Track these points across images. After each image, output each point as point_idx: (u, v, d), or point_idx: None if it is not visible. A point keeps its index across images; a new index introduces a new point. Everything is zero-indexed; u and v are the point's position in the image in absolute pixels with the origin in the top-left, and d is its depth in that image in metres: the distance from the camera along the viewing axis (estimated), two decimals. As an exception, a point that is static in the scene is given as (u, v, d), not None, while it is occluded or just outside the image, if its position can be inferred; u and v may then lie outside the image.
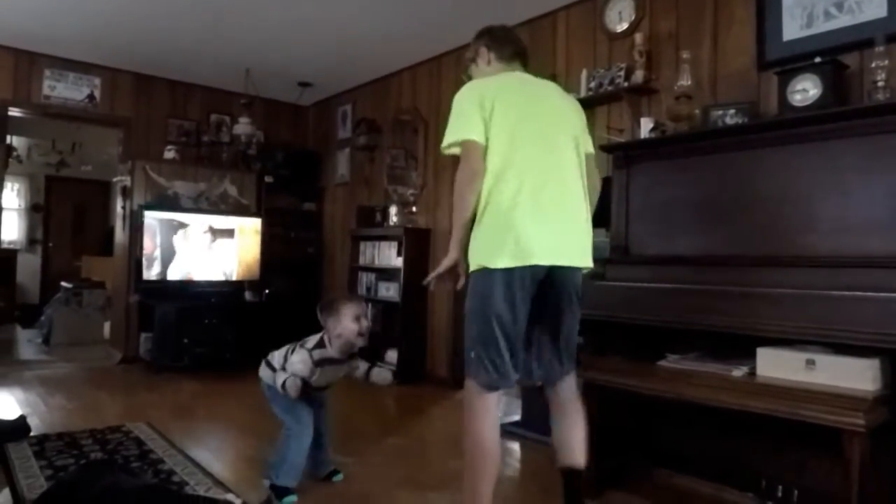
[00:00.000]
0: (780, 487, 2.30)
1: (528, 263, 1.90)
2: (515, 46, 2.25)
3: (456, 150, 2.02)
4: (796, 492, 2.27)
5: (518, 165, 1.94)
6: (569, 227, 2.01)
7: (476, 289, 1.96)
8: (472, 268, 1.98)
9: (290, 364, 2.45)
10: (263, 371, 2.57)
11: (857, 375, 1.97)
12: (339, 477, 2.68)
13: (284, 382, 2.39)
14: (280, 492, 2.42)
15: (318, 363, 2.46)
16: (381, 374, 2.70)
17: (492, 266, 1.90)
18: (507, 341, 1.93)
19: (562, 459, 2.11)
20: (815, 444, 2.19)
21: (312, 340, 2.52)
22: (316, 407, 2.60)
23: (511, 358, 1.95)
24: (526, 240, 1.89)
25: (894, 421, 2.00)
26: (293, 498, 2.43)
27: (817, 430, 2.01)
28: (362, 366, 2.65)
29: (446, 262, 2.00)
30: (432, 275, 2.04)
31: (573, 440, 2.10)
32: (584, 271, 2.13)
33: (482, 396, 1.96)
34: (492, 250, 1.91)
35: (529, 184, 1.94)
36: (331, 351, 2.50)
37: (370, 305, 5.27)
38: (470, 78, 2.26)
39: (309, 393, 2.51)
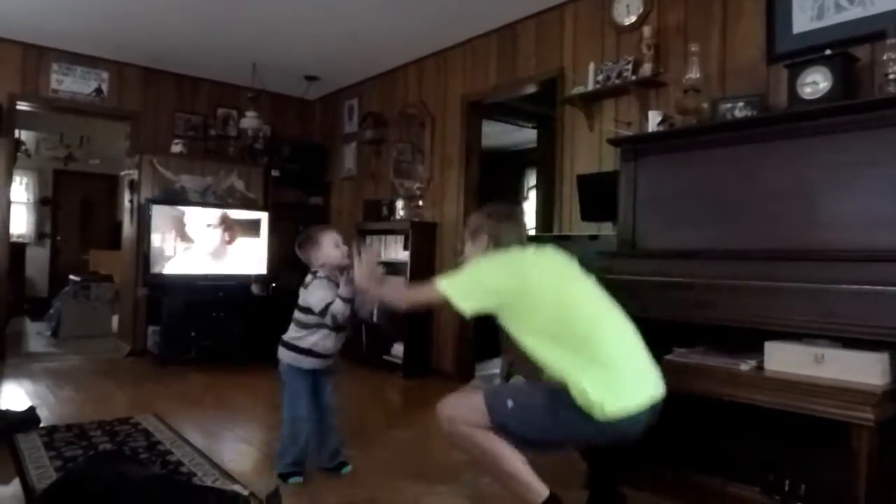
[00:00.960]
0: (788, 482, 2.29)
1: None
2: (519, 241, 2.20)
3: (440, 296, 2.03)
4: (803, 486, 2.26)
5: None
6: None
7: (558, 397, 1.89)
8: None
9: (318, 301, 2.48)
10: (280, 352, 2.62)
11: (865, 369, 1.96)
12: (347, 469, 2.70)
13: (332, 311, 2.45)
14: (285, 476, 2.54)
15: (331, 280, 2.54)
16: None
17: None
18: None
19: None
20: (823, 438, 2.17)
21: (308, 278, 2.59)
22: (321, 400, 2.64)
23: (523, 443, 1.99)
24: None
25: (903, 416, 1.99)
26: (298, 479, 2.54)
27: (825, 424, 2.00)
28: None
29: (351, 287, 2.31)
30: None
31: None
32: None
33: (470, 423, 1.99)
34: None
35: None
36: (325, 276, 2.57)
37: (376, 299, 5.29)
38: (462, 246, 2.33)
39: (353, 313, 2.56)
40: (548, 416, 1.92)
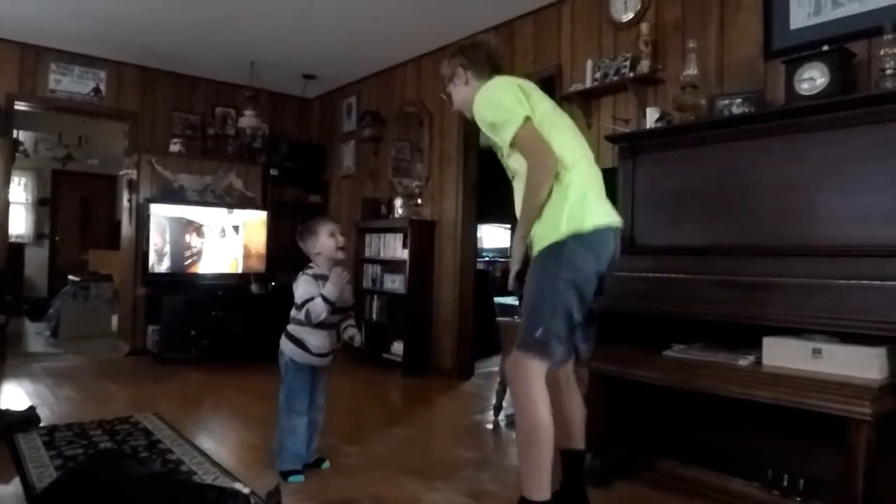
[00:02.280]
0: (786, 476, 2.30)
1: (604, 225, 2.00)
2: (491, 61, 2.22)
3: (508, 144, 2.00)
4: (802, 481, 2.26)
5: (570, 154, 2.01)
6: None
7: (549, 262, 1.95)
8: (544, 244, 1.97)
9: (299, 297, 2.54)
10: (283, 343, 2.65)
11: (863, 364, 1.96)
12: (326, 465, 2.73)
13: (308, 307, 2.49)
14: (285, 475, 2.55)
15: (316, 277, 2.58)
16: (351, 333, 2.69)
17: (580, 229, 1.93)
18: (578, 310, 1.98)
19: (563, 441, 2.13)
20: (821, 433, 2.18)
21: (299, 274, 2.65)
22: (313, 398, 2.67)
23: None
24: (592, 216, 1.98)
25: (901, 410, 2.00)
26: (299, 478, 2.55)
27: (823, 419, 2.01)
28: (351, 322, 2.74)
29: (519, 259, 2.04)
30: (512, 277, 2.08)
31: (576, 420, 2.17)
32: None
33: (540, 377, 1.96)
34: (568, 220, 1.94)
35: (585, 165, 2.04)
36: (319, 269, 2.62)
37: (376, 297, 5.30)
38: (449, 96, 2.31)
39: (333, 310, 2.56)
40: (554, 283, 1.94)
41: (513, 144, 2.00)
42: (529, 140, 1.96)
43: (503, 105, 2.00)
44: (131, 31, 4.88)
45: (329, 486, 2.54)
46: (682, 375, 2.34)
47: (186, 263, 5.36)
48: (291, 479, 2.53)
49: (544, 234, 1.97)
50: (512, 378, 2.06)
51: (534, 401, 1.95)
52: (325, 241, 2.63)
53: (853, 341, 2.02)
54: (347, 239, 2.71)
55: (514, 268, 2.05)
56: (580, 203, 1.96)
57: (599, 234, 1.98)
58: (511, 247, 2.09)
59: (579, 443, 2.18)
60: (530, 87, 2.11)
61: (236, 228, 5.63)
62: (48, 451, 2.81)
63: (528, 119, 1.96)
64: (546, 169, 1.94)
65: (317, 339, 2.60)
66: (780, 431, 2.36)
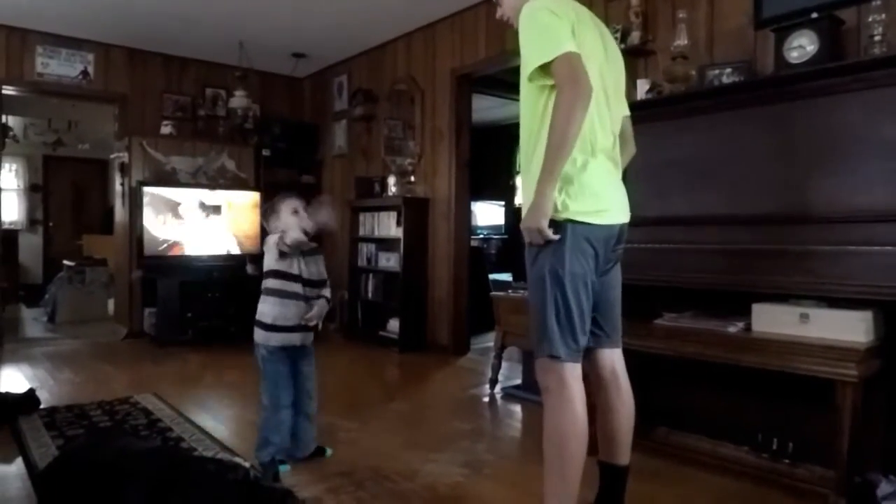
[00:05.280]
0: (776, 440, 2.35)
1: (608, 222, 1.75)
2: None
3: (541, 78, 1.68)
4: (791, 444, 2.32)
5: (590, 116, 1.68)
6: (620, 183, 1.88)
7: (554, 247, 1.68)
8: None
9: (265, 266, 2.46)
10: (256, 333, 2.49)
11: (849, 327, 2.00)
12: (330, 452, 2.62)
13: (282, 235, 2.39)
14: (269, 466, 2.36)
15: (284, 249, 2.40)
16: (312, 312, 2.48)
17: (578, 219, 1.68)
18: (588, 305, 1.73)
19: (604, 454, 1.90)
20: (810, 397, 2.23)
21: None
22: (299, 388, 2.53)
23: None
24: (607, 200, 1.74)
25: (886, 372, 2.04)
26: (285, 467, 2.41)
27: (812, 383, 2.05)
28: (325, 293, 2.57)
29: (547, 212, 1.64)
30: (544, 231, 1.66)
31: (622, 432, 1.88)
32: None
33: (571, 377, 1.71)
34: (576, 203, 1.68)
35: (602, 137, 1.75)
36: (285, 244, 2.41)
37: (371, 276, 5.32)
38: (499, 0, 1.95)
39: (306, 290, 2.45)
40: (555, 278, 1.69)
41: (546, 67, 1.64)
42: (572, 68, 1.60)
43: (550, 33, 1.64)
44: (118, 12, 4.82)
45: (329, 459, 2.58)
46: (673, 343, 2.38)
47: (181, 246, 5.36)
48: (280, 468, 2.38)
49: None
50: (549, 381, 1.75)
51: (572, 405, 1.68)
52: (287, 219, 2.45)
53: (840, 306, 2.05)
54: (337, 216, 2.50)
55: (545, 231, 1.66)
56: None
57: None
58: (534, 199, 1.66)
59: (623, 458, 1.89)
60: (586, 27, 1.76)
61: (229, 210, 5.62)
62: (49, 431, 2.85)
63: (575, 54, 1.61)
64: (582, 100, 1.59)
65: (276, 309, 2.42)
66: (770, 397, 2.40)
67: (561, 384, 1.70)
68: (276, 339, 2.44)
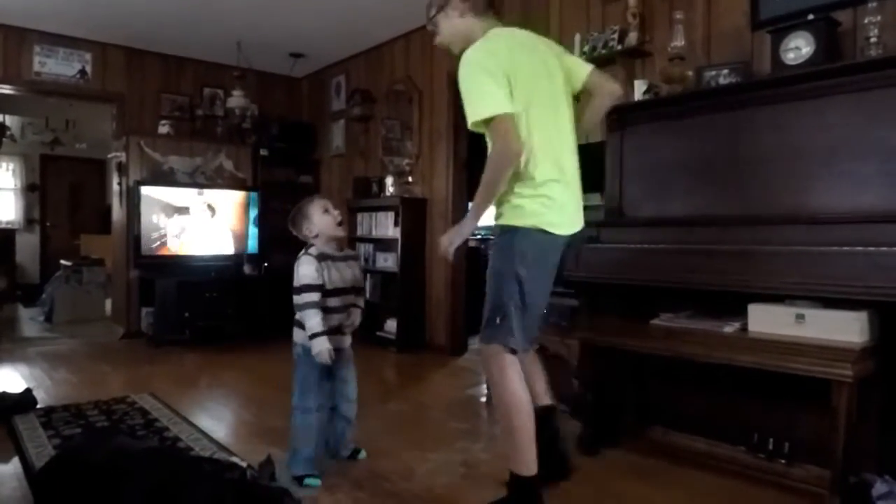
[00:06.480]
0: (771, 440, 2.36)
1: (559, 232, 2.01)
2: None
3: (481, 128, 1.92)
4: (787, 444, 2.32)
5: (538, 136, 1.96)
6: (577, 196, 2.12)
7: (505, 247, 1.99)
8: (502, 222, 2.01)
9: (298, 279, 2.34)
10: (294, 333, 2.43)
11: (845, 328, 2.01)
12: (363, 454, 2.58)
13: (305, 313, 2.30)
14: (299, 479, 2.31)
15: (319, 258, 2.36)
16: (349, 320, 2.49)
17: (529, 225, 1.95)
18: (534, 303, 2.02)
19: (537, 403, 2.22)
20: (806, 397, 2.23)
21: (300, 254, 2.43)
22: (338, 393, 2.49)
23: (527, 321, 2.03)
24: (558, 211, 1.99)
25: (881, 372, 2.05)
26: (316, 482, 2.31)
27: (808, 384, 2.06)
28: (360, 304, 2.54)
29: (465, 233, 2.01)
30: (453, 246, 1.99)
31: (541, 386, 2.31)
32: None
33: (509, 359, 2.00)
34: (528, 213, 1.96)
35: (551, 154, 1.99)
36: (320, 248, 2.40)
37: (369, 276, 5.32)
38: (435, 26, 2.18)
39: (328, 300, 2.37)
40: (513, 270, 1.96)
41: (483, 125, 1.90)
42: (505, 130, 1.86)
43: (485, 89, 1.87)
44: (116, 11, 4.81)
45: (326, 459, 2.57)
46: (670, 343, 2.38)
47: (178, 245, 5.36)
48: (307, 482, 2.29)
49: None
50: (490, 362, 2.06)
51: (510, 382, 1.99)
52: (319, 220, 2.39)
53: (836, 306, 2.06)
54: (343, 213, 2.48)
55: (456, 240, 1.99)
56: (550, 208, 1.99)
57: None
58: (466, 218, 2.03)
59: (546, 399, 2.30)
60: (522, 59, 1.97)
61: (227, 209, 5.62)
62: (46, 430, 2.84)
63: (509, 115, 1.86)
64: (510, 158, 1.86)
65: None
66: (766, 397, 2.41)
67: (502, 371, 2.01)
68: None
